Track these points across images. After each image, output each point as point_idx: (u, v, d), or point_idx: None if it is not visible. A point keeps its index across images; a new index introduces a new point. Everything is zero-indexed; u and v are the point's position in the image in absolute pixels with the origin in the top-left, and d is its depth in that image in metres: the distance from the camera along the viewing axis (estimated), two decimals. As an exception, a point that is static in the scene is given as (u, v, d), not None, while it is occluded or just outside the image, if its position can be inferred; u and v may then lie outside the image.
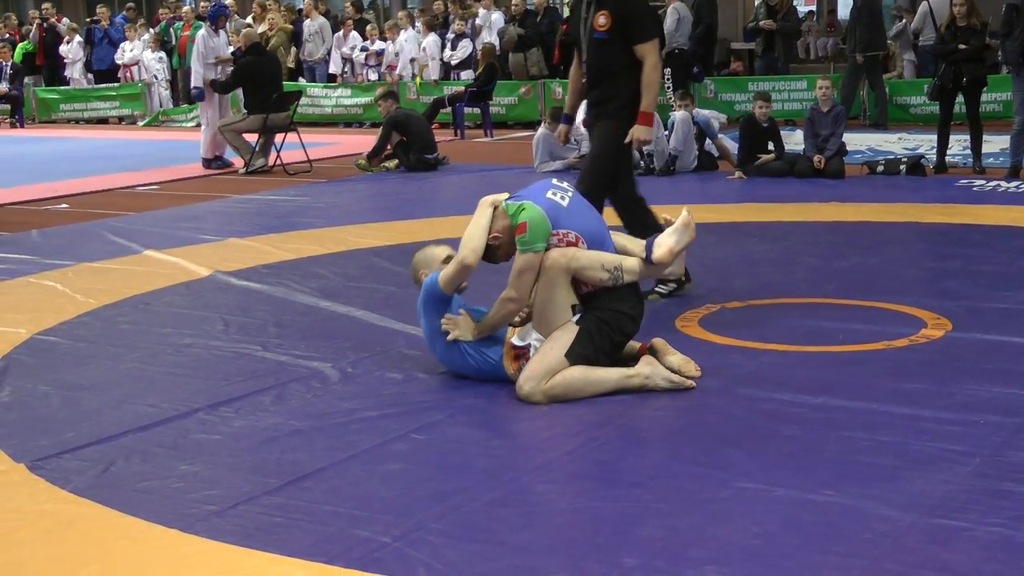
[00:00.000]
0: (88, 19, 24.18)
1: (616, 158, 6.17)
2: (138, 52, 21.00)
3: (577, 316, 4.77)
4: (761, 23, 16.46)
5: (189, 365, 5.37)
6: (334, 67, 19.19)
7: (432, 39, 18.47)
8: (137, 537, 3.48)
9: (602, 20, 5.98)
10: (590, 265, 4.76)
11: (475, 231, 4.88)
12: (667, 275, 4.93)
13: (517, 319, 5.03)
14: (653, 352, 4.84)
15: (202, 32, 13.98)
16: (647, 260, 4.83)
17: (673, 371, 4.75)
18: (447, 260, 5.01)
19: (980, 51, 11.25)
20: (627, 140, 6.05)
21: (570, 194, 4.97)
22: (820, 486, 3.67)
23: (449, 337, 4.87)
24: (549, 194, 4.91)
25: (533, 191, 4.95)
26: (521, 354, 4.80)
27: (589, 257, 4.78)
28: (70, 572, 3.29)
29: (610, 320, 4.77)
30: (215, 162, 13.64)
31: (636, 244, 4.96)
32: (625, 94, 6.06)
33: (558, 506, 3.69)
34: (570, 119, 6.67)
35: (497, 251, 4.95)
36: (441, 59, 18.24)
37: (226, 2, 17.39)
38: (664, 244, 4.84)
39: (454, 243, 5.01)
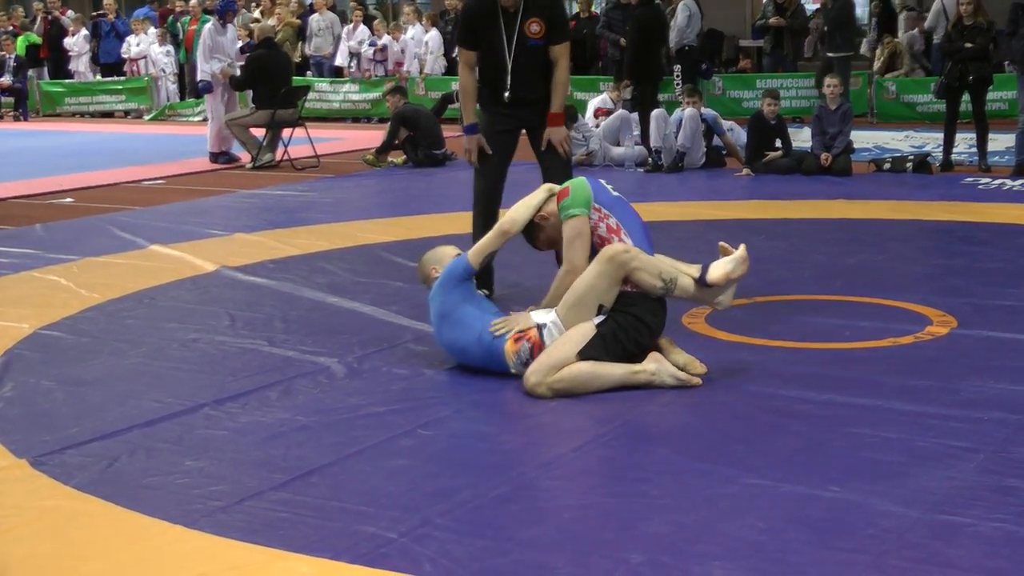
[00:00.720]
0: (93, 12, 24.13)
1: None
2: (145, 46, 20.97)
3: (600, 319, 4.76)
4: (770, 20, 16.44)
5: (195, 360, 5.37)
6: (340, 60, 19.17)
7: (434, 35, 18.43)
8: (141, 533, 3.48)
9: (535, 27, 6.10)
10: (648, 269, 4.76)
11: (522, 206, 5.06)
12: (715, 304, 4.94)
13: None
14: (659, 349, 4.84)
15: (208, 26, 13.95)
16: (701, 280, 4.85)
17: (678, 368, 4.75)
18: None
19: (986, 49, 11.24)
20: (546, 141, 6.13)
21: (621, 197, 5.09)
22: (826, 482, 3.67)
23: (504, 328, 4.81)
24: (602, 181, 5.12)
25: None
26: (521, 336, 4.79)
27: (651, 262, 4.79)
28: (73, 568, 3.29)
29: (628, 327, 4.76)
30: (222, 157, 13.63)
31: (686, 266, 4.96)
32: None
33: (564, 502, 3.69)
34: (475, 128, 6.30)
35: (540, 232, 5.05)
36: (447, 55, 18.20)
37: (235, -3, 17.39)
38: (721, 268, 4.86)
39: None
